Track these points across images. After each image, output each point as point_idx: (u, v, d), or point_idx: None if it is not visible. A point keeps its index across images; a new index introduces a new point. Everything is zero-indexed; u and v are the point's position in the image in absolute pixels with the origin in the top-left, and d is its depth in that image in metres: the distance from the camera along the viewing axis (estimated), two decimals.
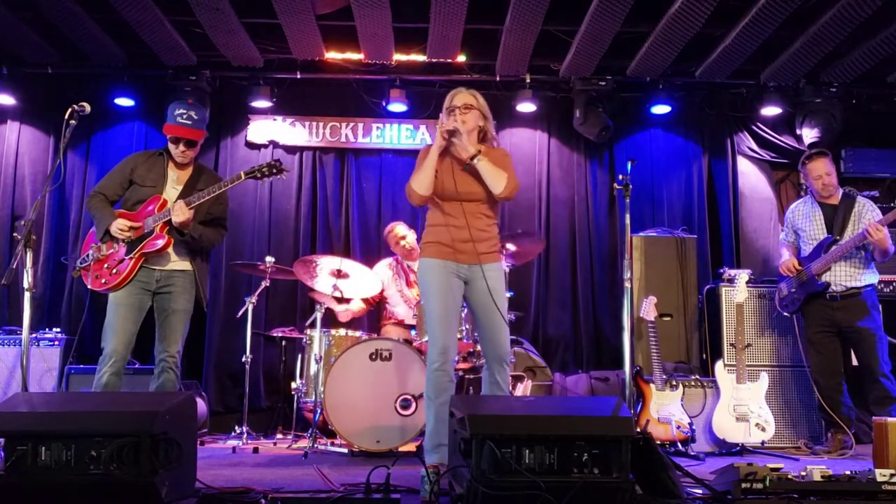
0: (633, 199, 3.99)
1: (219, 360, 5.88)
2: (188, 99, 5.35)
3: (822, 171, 4.67)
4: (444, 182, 3.37)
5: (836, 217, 4.62)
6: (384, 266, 5.29)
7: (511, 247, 4.60)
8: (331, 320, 5.12)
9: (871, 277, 4.55)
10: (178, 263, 3.82)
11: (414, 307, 4.66)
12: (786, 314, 4.89)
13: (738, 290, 4.82)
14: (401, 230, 5.23)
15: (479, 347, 4.41)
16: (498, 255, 3.52)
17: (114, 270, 3.73)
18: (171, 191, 3.86)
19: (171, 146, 3.87)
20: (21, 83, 5.85)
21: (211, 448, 4.72)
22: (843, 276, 4.53)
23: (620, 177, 3.88)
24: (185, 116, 3.82)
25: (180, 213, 3.67)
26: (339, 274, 4.73)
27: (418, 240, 5.14)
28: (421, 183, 3.34)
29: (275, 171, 3.88)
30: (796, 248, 4.82)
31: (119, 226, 3.72)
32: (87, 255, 3.80)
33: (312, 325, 4.75)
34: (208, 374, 5.85)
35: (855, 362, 4.71)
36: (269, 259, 4.98)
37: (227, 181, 3.83)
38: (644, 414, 4.55)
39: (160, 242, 3.72)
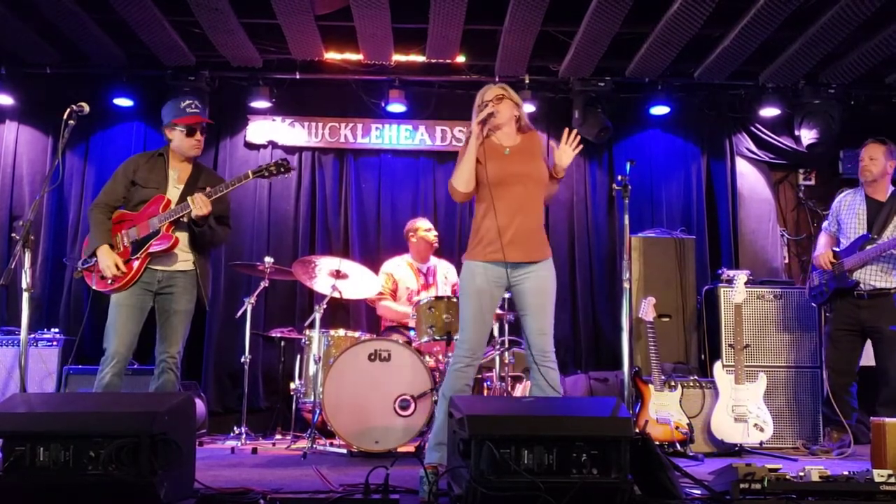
0: (632, 199, 3.99)
1: (218, 361, 5.87)
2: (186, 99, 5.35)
3: (865, 154, 4.56)
4: (492, 170, 3.31)
5: (879, 214, 4.51)
6: (398, 264, 5.27)
7: None
8: (330, 321, 5.12)
9: None
10: (181, 264, 3.83)
11: (413, 307, 4.66)
12: (813, 304, 4.86)
13: (736, 291, 4.82)
14: (424, 223, 5.25)
15: None
16: (547, 250, 3.45)
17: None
18: (173, 190, 3.86)
19: (185, 140, 3.86)
20: (20, 83, 5.84)
21: (210, 448, 4.72)
22: (873, 276, 4.46)
23: (619, 177, 3.88)
24: (192, 106, 3.88)
25: (203, 206, 3.68)
26: (338, 274, 4.73)
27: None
28: (460, 178, 3.30)
29: (282, 169, 3.90)
30: (836, 238, 4.72)
31: (108, 263, 3.68)
32: (91, 256, 3.80)
33: (311, 326, 4.75)
34: (207, 374, 5.85)
35: (871, 362, 4.64)
36: (269, 259, 4.98)
37: (235, 179, 3.85)
38: (643, 414, 4.55)
39: (167, 242, 3.73)
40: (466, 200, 3.44)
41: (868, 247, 4.46)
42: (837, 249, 4.62)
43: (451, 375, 3.36)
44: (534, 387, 3.40)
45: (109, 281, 3.71)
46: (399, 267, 5.27)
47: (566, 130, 3.44)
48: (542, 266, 3.41)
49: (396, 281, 5.22)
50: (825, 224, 4.88)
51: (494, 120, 3.41)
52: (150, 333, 3.85)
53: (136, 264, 3.72)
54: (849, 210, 4.66)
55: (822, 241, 4.78)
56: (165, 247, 3.73)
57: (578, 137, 3.41)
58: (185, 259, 3.84)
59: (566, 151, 3.40)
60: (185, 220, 3.77)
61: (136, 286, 3.74)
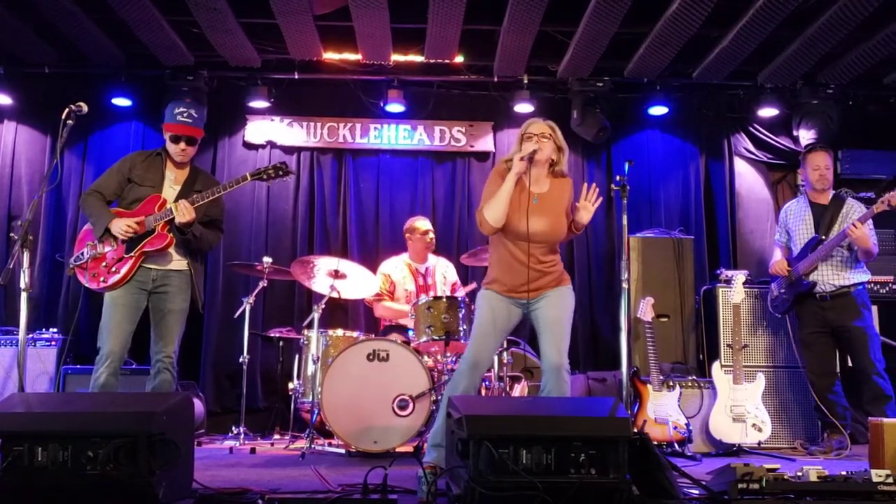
0: (631, 199, 4.00)
1: (216, 361, 5.87)
2: (186, 98, 5.35)
3: (822, 163, 4.69)
4: (514, 220, 3.30)
5: (824, 217, 4.64)
6: (396, 265, 5.27)
7: None
8: (328, 321, 5.12)
9: (860, 276, 4.56)
10: (176, 263, 3.82)
11: (412, 307, 4.66)
12: (777, 315, 4.91)
13: (734, 291, 4.82)
14: (423, 224, 5.25)
15: None
16: (563, 278, 3.45)
17: (113, 269, 3.72)
18: (169, 191, 3.86)
19: (170, 145, 3.87)
20: (18, 83, 5.84)
21: (208, 448, 4.72)
22: (831, 276, 4.55)
23: (618, 177, 3.89)
24: (185, 115, 3.82)
25: (185, 213, 3.67)
26: (336, 274, 4.73)
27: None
28: (495, 214, 3.26)
29: (280, 173, 3.88)
30: (789, 248, 4.84)
31: (122, 227, 3.70)
32: (83, 253, 3.79)
33: (310, 326, 4.75)
34: (206, 374, 5.85)
35: (849, 363, 4.73)
36: (267, 259, 4.98)
37: (232, 182, 3.84)
38: (641, 414, 4.55)
39: (161, 241, 3.72)
40: (492, 234, 3.40)
41: (818, 247, 4.56)
42: (791, 256, 4.74)
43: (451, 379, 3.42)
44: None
45: (112, 269, 3.69)
46: (396, 268, 5.27)
47: (584, 186, 3.40)
48: (559, 291, 3.41)
49: (394, 282, 5.22)
50: (776, 237, 5.01)
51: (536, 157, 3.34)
52: (147, 333, 3.84)
53: (129, 262, 3.71)
54: (796, 217, 4.78)
55: (777, 253, 4.90)
56: (160, 246, 3.72)
57: (598, 194, 3.39)
58: (179, 259, 3.83)
59: (587, 208, 3.38)
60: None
61: (131, 285, 3.73)
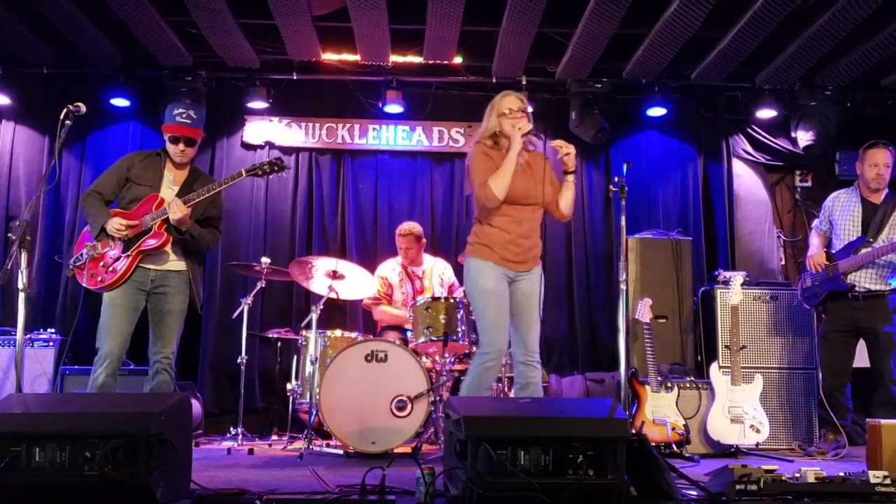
0: (629, 201, 3.99)
1: (214, 361, 5.86)
2: (185, 99, 5.35)
3: (881, 160, 4.49)
4: (511, 188, 3.43)
5: (874, 217, 4.50)
6: (393, 268, 5.28)
7: None
8: (327, 321, 5.11)
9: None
10: (174, 263, 3.82)
11: (410, 309, 4.66)
12: (806, 306, 4.87)
13: (733, 292, 4.83)
14: (403, 227, 5.25)
15: (475, 349, 4.44)
16: (539, 259, 3.62)
17: (110, 269, 3.71)
18: (168, 191, 3.85)
19: (169, 146, 3.87)
20: (16, 83, 5.84)
21: (206, 449, 4.72)
22: (868, 279, 4.46)
23: (616, 179, 3.89)
24: (184, 116, 3.82)
25: (177, 210, 3.67)
26: (334, 275, 4.73)
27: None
28: (502, 188, 3.39)
29: (276, 168, 3.88)
30: (828, 238, 4.70)
31: (115, 224, 3.71)
32: (82, 254, 3.79)
33: (308, 327, 4.75)
34: (203, 375, 5.84)
35: (864, 363, 4.66)
36: (265, 260, 4.98)
37: (227, 178, 3.83)
38: (639, 415, 4.55)
39: (158, 240, 3.72)
40: (497, 206, 3.47)
41: (863, 250, 4.45)
42: (831, 251, 4.63)
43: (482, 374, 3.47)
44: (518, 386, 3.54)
45: (110, 269, 3.69)
46: (393, 271, 5.27)
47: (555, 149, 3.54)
48: (538, 272, 3.59)
49: (391, 285, 5.22)
50: (816, 223, 4.85)
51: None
52: (146, 334, 3.83)
53: (126, 262, 3.71)
54: (843, 211, 4.63)
55: (815, 241, 4.76)
56: (157, 244, 3.72)
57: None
58: (177, 259, 3.82)
59: (562, 148, 3.50)
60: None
61: (129, 285, 3.72)
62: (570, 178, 3.58)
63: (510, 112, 3.51)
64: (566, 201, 3.58)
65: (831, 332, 4.61)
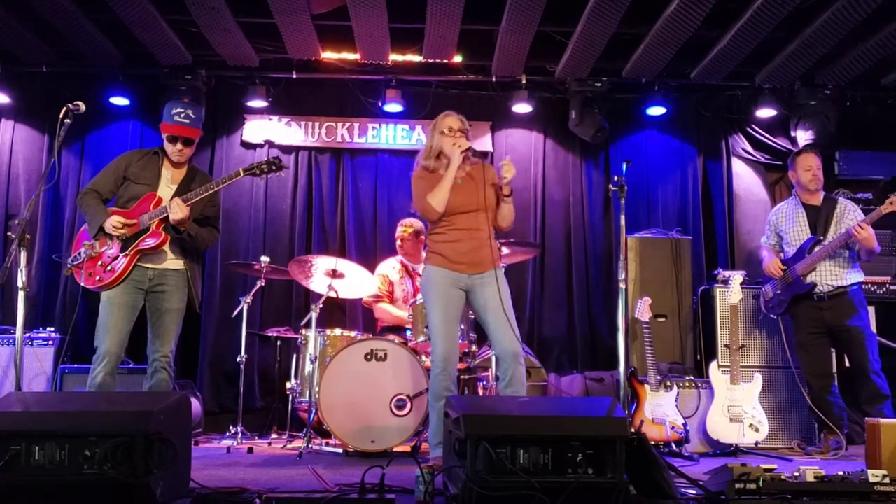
0: (629, 200, 4.00)
1: (213, 360, 5.86)
2: (184, 98, 5.34)
3: (813, 163, 4.71)
4: (451, 199, 3.61)
5: (819, 218, 4.66)
6: (393, 266, 5.28)
7: (505, 250, 4.61)
8: (326, 320, 5.11)
9: (856, 276, 4.58)
10: (172, 262, 3.81)
11: (409, 308, 4.66)
12: (772, 316, 4.91)
13: (732, 292, 4.83)
14: (419, 224, 5.25)
15: (474, 348, 4.45)
16: (497, 260, 3.72)
17: (108, 268, 3.71)
18: (166, 189, 3.84)
19: (167, 145, 3.86)
20: (16, 81, 5.84)
21: (205, 448, 4.72)
22: (829, 276, 4.56)
23: (616, 178, 3.90)
24: (182, 115, 3.81)
25: (178, 210, 3.66)
26: (334, 274, 4.73)
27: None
28: (441, 201, 3.60)
29: (273, 167, 3.88)
30: (778, 251, 4.85)
31: (113, 223, 3.70)
32: (80, 253, 3.78)
33: (307, 325, 4.75)
34: (203, 373, 5.84)
35: (847, 363, 4.74)
36: (265, 259, 4.98)
37: (225, 178, 3.83)
38: (638, 414, 4.56)
39: (156, 239, 3.71)
40: (438, 219, 3.66)
41: (816, 248, 4.57)
42: (785, 257, 4.75)
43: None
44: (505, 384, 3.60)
45: (108, 268, 3.68)
46: (393, 269, 5.27)
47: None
48: (499, 273, 3.66)
49: (392, 283, 5.22)
50: (763, 239, 5.01)
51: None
52: (144, 333, 3.83)
53: (124, 261, 3.71)
54: (788, 219, 4.78)
55: (766, 254, 4.90)
56: (155, 243, 3.71)
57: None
58: (176, 258, 3.82)
59: (504, 167, 3.62)
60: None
61: (127, 284, 3.72)
62: (507, 199, 3.70)
63: (450, 131, 3.71)
64: (502, 214, 3.72)
65: (805, 337, 4.66)
